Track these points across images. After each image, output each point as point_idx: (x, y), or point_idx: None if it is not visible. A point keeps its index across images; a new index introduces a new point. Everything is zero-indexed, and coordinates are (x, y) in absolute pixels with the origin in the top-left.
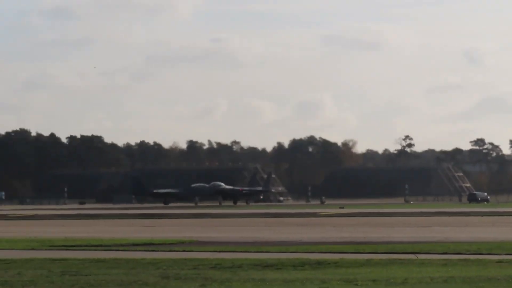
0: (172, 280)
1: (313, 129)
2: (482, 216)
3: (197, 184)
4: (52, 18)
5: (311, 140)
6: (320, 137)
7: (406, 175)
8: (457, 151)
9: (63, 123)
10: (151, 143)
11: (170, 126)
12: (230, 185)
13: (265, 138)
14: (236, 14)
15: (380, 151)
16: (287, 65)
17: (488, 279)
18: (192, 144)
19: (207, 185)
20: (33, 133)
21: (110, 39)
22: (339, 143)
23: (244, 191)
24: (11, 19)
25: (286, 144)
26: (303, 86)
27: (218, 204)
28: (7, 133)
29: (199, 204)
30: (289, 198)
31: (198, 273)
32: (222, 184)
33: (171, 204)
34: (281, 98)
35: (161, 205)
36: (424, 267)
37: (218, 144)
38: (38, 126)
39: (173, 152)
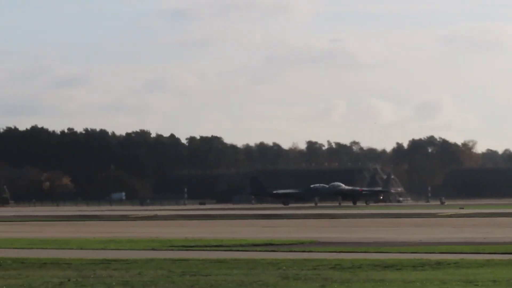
0: (292, 280)
1: (433, 129)
2: None
3: (317, 185)
4: (172, 19)
5: (430, 140)
6: (439, 137)
7: None
8: None
9: (183, 124)
10: (271, 144)
11: (289, 127)
12: (350, 185)
13: (384, 139)
14: (355, 15)
15: (500, 151)
16: (406, 65)
17: None
18: (311, 145)
19: (327, 186)
20: (153, 134)
21: (229, 40)
22: (459, 143)
23: (363, 192)
24: (131, 21)
25: (405, 144)
26: (422, 86)
27: (337, 204)
28: (128, 134)
29: (318, 204)
30: (409, 198)
31: (318, 273)
32: (342, 184)
33: (291, 205)
34: (401, 98)
35: (281, 205)
36: None
37: (337, 144)
38: (158, 127)
39: (293, 152)
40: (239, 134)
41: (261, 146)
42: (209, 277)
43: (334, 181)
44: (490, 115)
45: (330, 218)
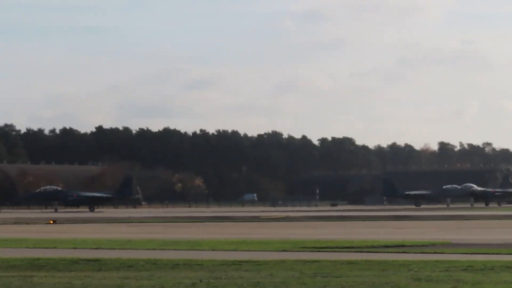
0: (424, 282)
1: None
2: None
3: (449, 186)
4: (304, 21)
5: None
6: None
7: None
8: None
9: (314, 125)
10: (402, 145)
11: (421, 128)
12: (482, 186)
13: None
14: (488, 15)
15: None
16: None
17: None
18: (443, 146)
19: (459, 187)
20: (285, 135)
21: (361, 41)
22: None
23: (496, 193)
24: (264, 22)
25: None
26: None
27: (469, 205)
28: (260, 136)
29: (450, 205)
30: None
31: (450, 275)
32: (474, 185)
33: (423, 206)
34: None
35: (413, 206)
36: None
37: (470, 145)
38: (290, 128)
39: (425, 153)
40: (371, 135)
41: (393, 147)
42: (340, 279)
43: (466, 182)
44: None
45: (462, 219)
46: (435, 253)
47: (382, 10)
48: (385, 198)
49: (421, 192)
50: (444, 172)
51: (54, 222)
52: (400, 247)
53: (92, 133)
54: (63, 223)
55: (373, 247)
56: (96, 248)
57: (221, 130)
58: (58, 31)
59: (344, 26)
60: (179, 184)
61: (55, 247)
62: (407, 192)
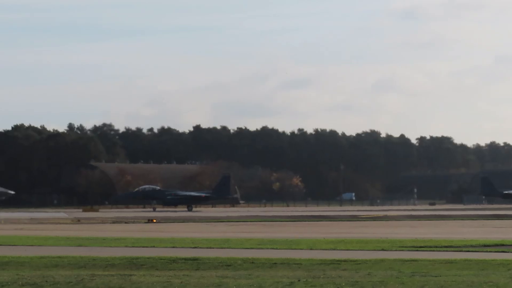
0: None
1: None
2: None
3: None
4: (402, 19)
5: None
6: None
7: None
8: None
9: (412, 124)
10: (501, 144)
11: None
12: None
13: None
14: None
15: None
16: None
17: None
18: None
19: None
20: (383, 134)
21: (459, 40)
22: None
23: None
24: (363, 20)
25: None
26: None
27: None
28: (358, 135)
29: None
30: None
31: None
32: None
33: None
34: None
35: None
36: None
37: None
38: (388, 127)
39: None
40: (470, 134)
41: (492, 146)
42: (438, 278)
43: None
44: None
45: None
46: None
47: (479, 9)
48: (484, 197)
49: None
50: None
51: (151, 221)
52: (500, 246)
53: (190, 132)
54: (162, 222)
55: (472, 246)
56: (194, 247)
57: (319, 129)
58: (157, 31)
59: (442, 25)
60: (277, 183)
61: (154, 246)
62: (506, 191)
